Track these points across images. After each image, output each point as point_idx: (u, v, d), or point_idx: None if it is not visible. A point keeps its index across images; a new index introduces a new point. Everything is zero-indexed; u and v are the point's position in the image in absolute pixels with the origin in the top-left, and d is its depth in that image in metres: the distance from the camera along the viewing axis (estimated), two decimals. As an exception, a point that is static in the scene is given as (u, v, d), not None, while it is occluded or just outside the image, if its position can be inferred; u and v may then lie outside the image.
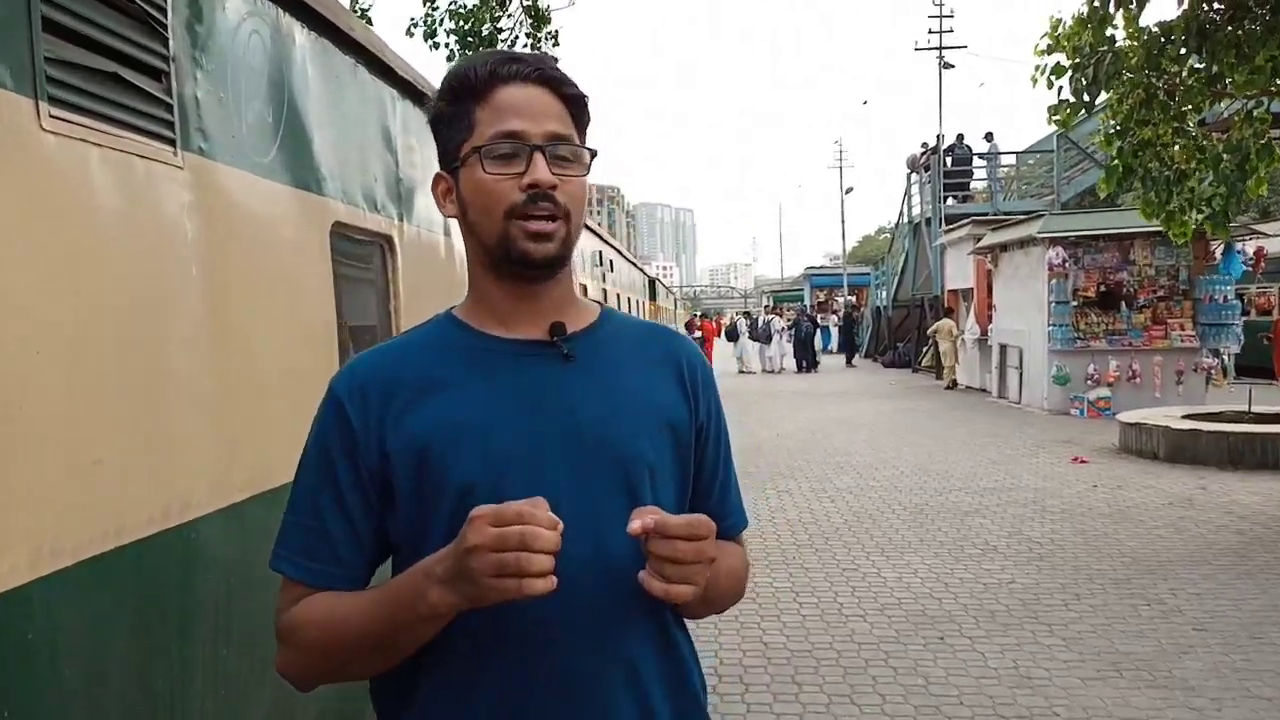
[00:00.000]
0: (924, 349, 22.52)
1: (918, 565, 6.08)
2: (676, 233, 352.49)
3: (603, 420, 1.18)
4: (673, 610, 1.22)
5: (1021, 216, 16.35)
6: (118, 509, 1.66)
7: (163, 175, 1.85)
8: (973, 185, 23.89)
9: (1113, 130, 7.57)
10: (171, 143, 1.88)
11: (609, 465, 1.17)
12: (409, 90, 3.38)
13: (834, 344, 32.83)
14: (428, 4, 12.28)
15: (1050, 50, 7.31)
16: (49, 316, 1.52)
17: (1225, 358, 13.92)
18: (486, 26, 12.28)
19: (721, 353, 26.88)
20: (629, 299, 15.32)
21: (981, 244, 16.74)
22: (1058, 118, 7.52)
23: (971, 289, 18.28)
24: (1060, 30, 7.22)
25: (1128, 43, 7.15)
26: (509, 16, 12.72)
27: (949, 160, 22.47)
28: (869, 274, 36.37)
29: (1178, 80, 7.26)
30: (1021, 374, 15.13)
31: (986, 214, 19.94)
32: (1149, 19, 7.16)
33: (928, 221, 22.67)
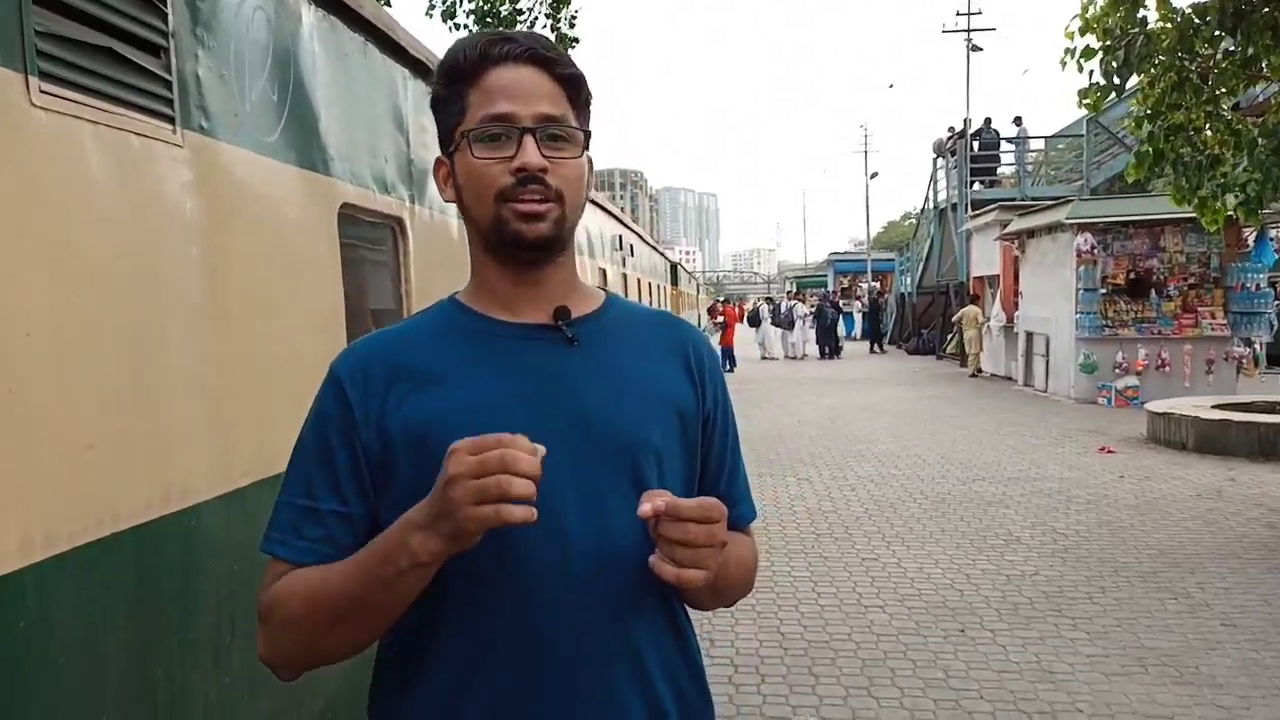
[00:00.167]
0: (949, 336, 22.33)
1: (939, 556, 6.01)
2: (700, 217, 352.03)
3: (609, 407, 1.15)
4: (679, 601, 1.21)
5: (1050, 202, 16.10)
6: (114, 494, 1.63)
7: (161, 154, 1.81)
8: (1000, 170, 23.57)
9: (1144, 114, 7.42)
10: (171, 120, 1.84)
11: (615, 453, 1.14)
12: (421, 70, 3.33)
13: (857, 330, 32.65)
14: (446, -16, 12.24)
15: (1081, 32, 7.17)
16: (40, 299, 1.48)
17: (1257, 347, 13.65)
18: (506, 6, 12.22)
19: (743, 338, 26.78)
20: (650, 284, 15.26)
21: (1008, 230, 16.52)
22: (1088, 101, 7.39)
23: (998, 275, 18.10)
24: (1091, 11, 7.08)
25: (1160, 24, 7.01)
26: (528, -3, 12.65)
27: (976, 145, 22.20)
28: (894, 260, 36.11)
29: (1211, 63, 7.11)
30: (1048, 362, 14.96)
31: (1014, 199, 19.61)
32: (1182, 0, 6.99)
33: (954, 207, 22.44)
